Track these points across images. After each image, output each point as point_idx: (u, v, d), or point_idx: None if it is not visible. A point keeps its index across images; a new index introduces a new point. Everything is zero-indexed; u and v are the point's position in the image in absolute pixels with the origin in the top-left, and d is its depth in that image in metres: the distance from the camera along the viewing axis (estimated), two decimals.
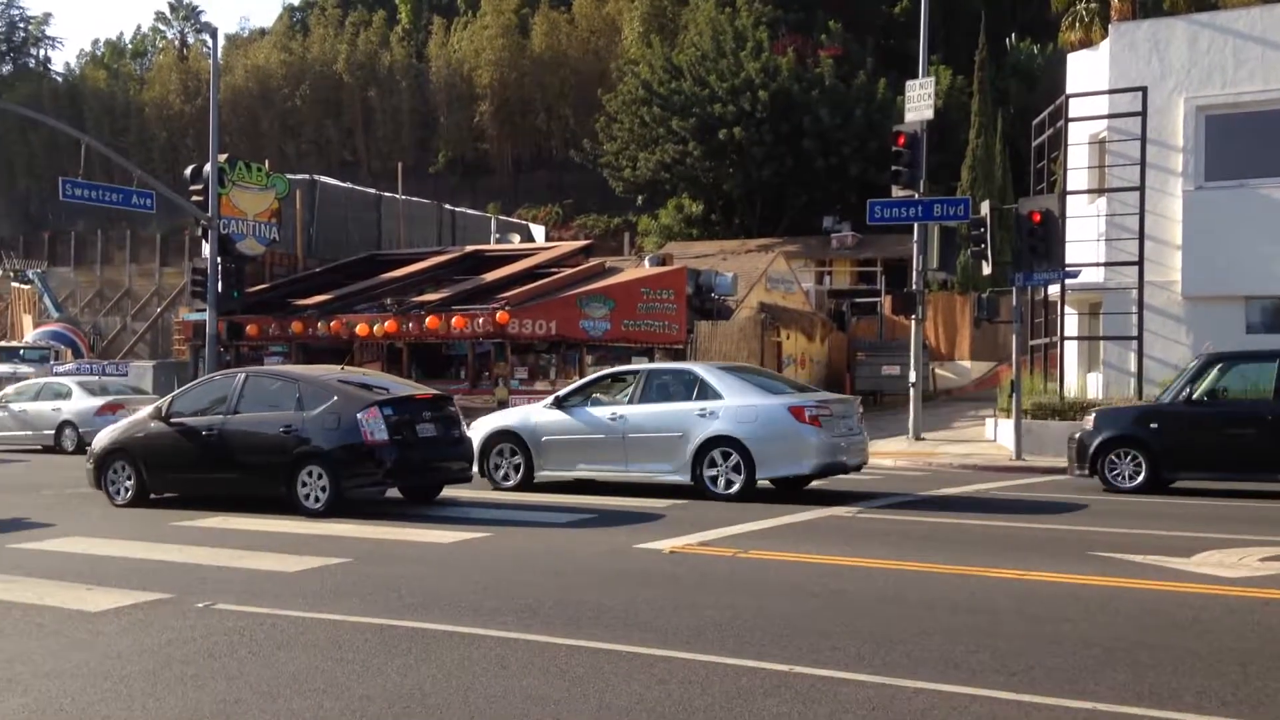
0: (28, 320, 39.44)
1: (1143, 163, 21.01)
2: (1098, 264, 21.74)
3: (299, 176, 35.47)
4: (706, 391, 13.64)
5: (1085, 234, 21.63)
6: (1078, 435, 14.89)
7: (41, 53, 68.08)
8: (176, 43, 72.14)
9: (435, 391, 14.20)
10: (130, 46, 78.60)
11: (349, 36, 62.73)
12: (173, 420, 13.16)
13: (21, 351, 33.42)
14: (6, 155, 57.03)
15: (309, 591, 7.98)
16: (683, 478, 13.49)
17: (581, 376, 26.30)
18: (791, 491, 13.91)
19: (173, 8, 70.19)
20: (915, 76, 22.00)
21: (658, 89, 44.85)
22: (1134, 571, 8.64)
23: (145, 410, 14.11)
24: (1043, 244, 18.32)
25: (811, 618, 7.12)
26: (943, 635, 6.60)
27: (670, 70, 45.04)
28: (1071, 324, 23.41)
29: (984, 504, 13.28)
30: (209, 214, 24.39)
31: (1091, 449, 14.40)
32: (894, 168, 21.26)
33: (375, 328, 25.38)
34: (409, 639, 6.57)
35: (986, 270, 20.45)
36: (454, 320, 24.46)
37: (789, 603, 7.59)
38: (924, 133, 21.38)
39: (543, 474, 14.54)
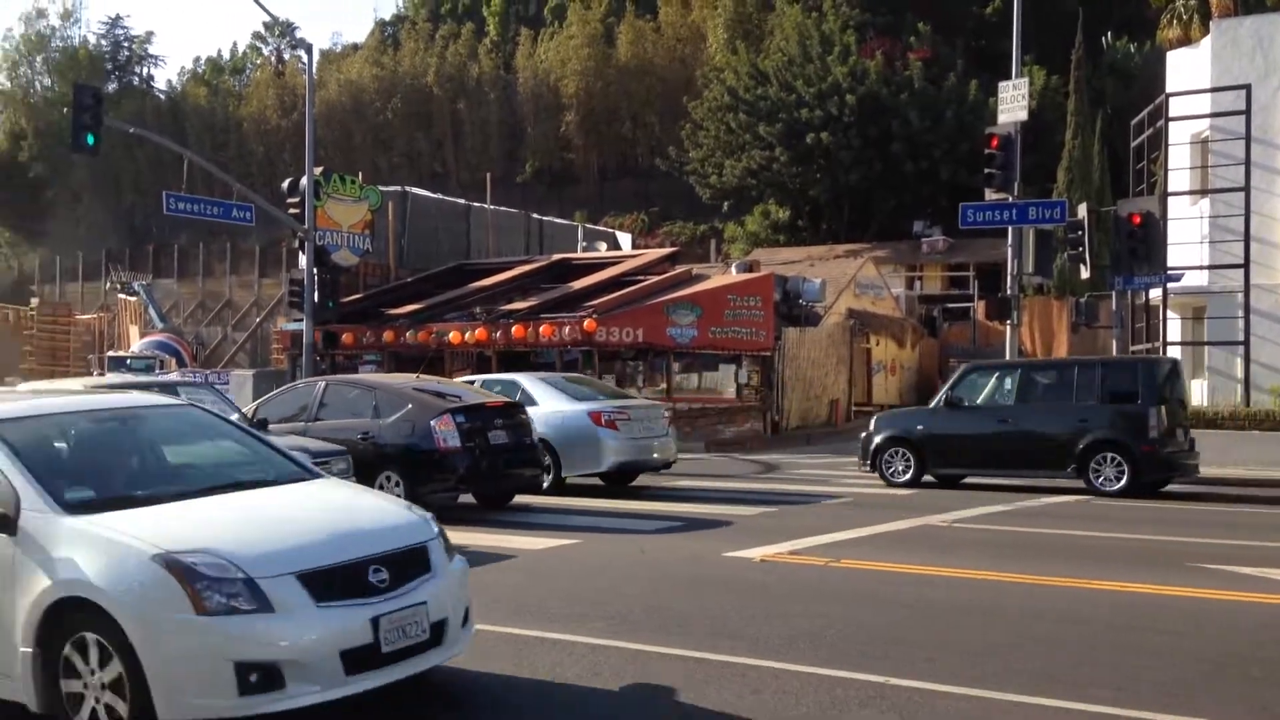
0: (134, 331, 40.81)
1: (1247, 162, 20.35)
2: (1201, 267, 21.10)
3: (391, 188, 36.17)
4: (528, 399, 14.97)
5: (1187, 236, 21.02)
6: (862, 434, 16.58)
7: (145, 71, 70.53)
8: (273, 59, 74.20)
9: (507, 399, 14.38)
10: (229, 63, 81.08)
11: (439, 49, 63.80)
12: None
13: (129, 361, 34.53)
14: (113, 171, 59.10)
15: None
16: None
17: (669, 384, 26.43)
18: (618, 487, 15.26)
19: (269, 26, 72.22)
20: (1007, 77, 21.58)
21: (744, 95, 44.75)
22: (1238, 583, 8.35)
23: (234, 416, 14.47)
24: (1143, 246, 17.86)
25: (905, 628, 7.02)
26: (1041, 647, 6.46)
27: (756, 76, 44.91)
28: (1174, 329, 22.75)
29: (1084, 514, 12.96)
30: (305, 226, 24.96)
31: (871, 448, 16.11)
32: (987, 170, 20.86)
33: (465, 336, 25.73)
34: (501, 645, 6.65)
35: (1085, 274, 20.02)
36: (542, 328, 24.68)
37: (882, 613, 7.50)
38: (1018, 134, 20.94)
39: None
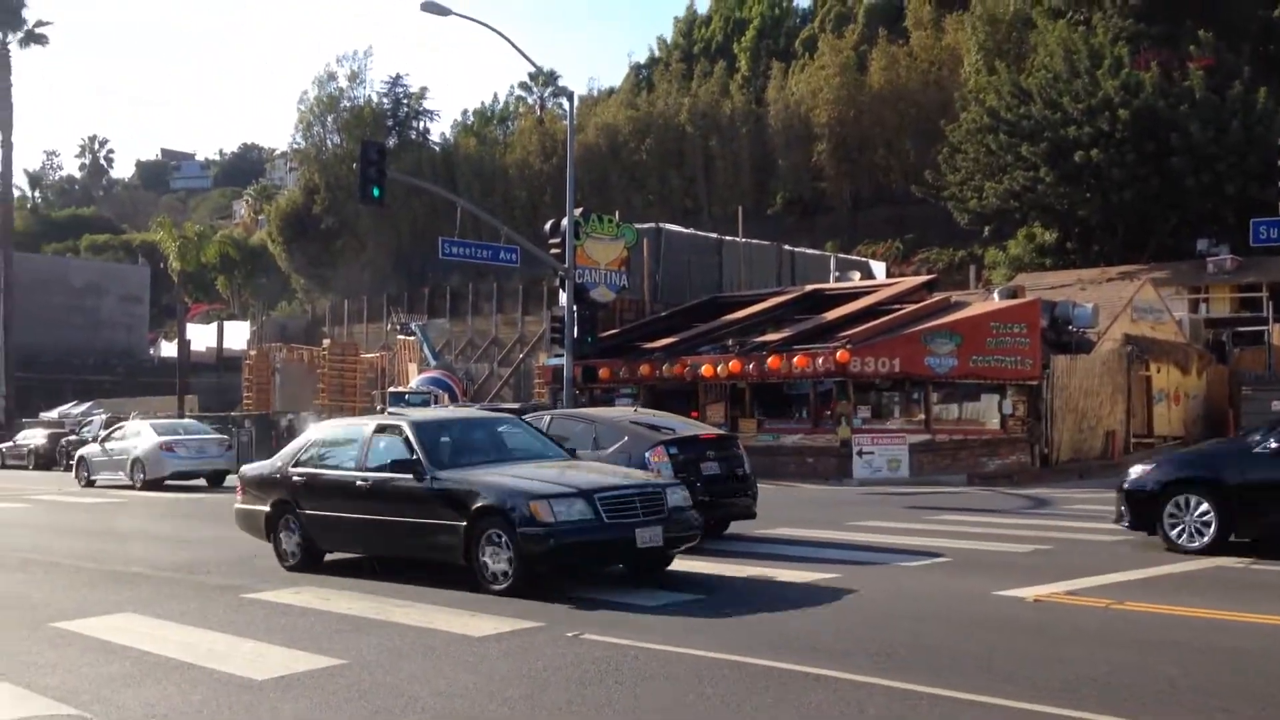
0: (412, 368, 43.58)
1: None
2: None
3: (645, 225, 37.09)
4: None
5: None
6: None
7: (421, 125, 75.41)
8: (536, 108, 77.88)
9: (720, 432, 15.03)
10: (496, 113, 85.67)
11: (691, 88, 65.09)
12: None
13: (407, 396, 36.89)
14: (393, 219, 63.47)
15: (669, 626, 8.23)
16: None
17: (927, 414, 25.66)
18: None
19: (534, 76, 75.90)
20: None
21: (1005, 115, 43.15)
22: None
23: None
24: None
25: (1196, 676, 6.50)
26: None
27: (1019, 95, 43.22)
28: None
29: None
30: (565, 265, 25.98)
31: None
32: None
33: (719, 369, 25.95)
34: (765, 678, 6.62)
35: None
36: (795, 359, 24.56)
37: (1170, 659, 6.97)
38: None
39: None
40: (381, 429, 11.28)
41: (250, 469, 13.10)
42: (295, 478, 11.66)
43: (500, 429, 12.00)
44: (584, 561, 10.00)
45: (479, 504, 9.69)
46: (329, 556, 11.69)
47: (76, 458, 29.58)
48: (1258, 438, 12.17)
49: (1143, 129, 39.64)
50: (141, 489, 25.38)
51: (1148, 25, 44.44)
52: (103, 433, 30.72)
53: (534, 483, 9.86)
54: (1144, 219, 42.18)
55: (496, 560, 9.60)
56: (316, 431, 12.59)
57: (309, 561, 11.42)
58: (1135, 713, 5.73)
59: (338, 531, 11.31)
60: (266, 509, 11.85)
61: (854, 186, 60.95)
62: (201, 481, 26.30)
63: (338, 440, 11.98)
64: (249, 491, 12.43)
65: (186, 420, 33.01)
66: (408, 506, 10.36)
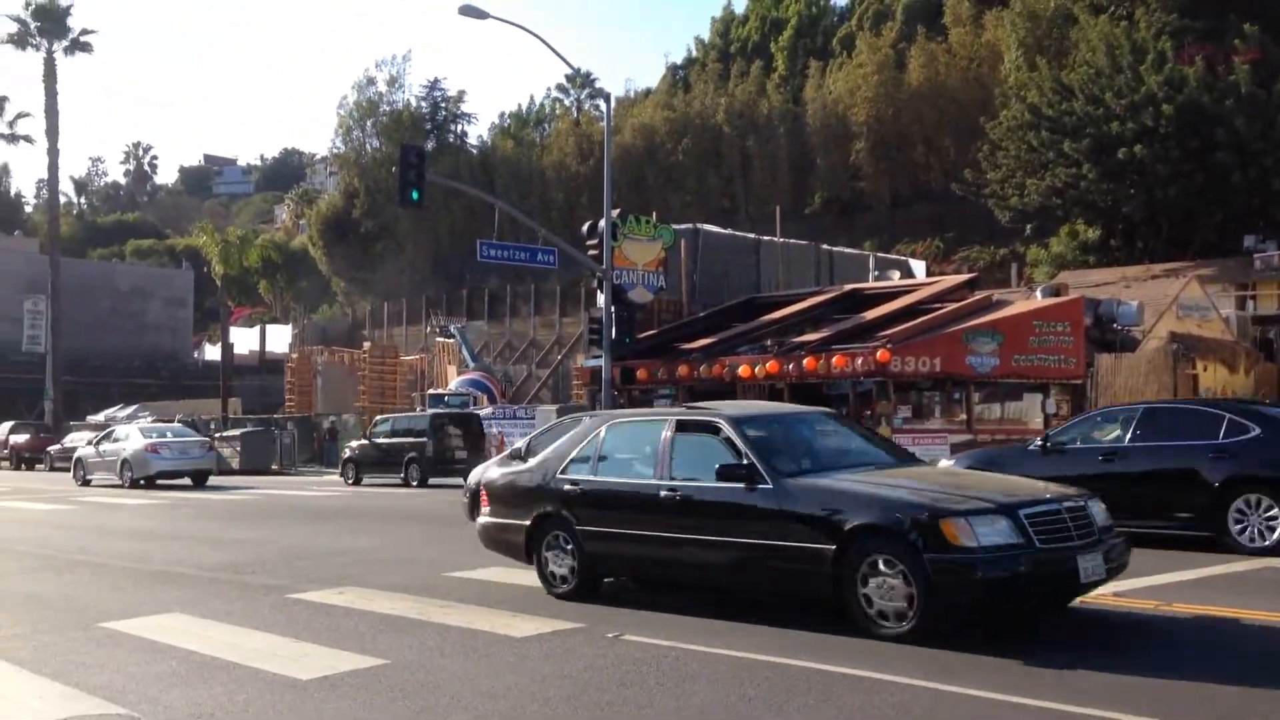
0: (451, 370, 43.85)
1: None
2: None
3: (683, 226, 37.04)
4: None
5: None
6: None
7: (459, 128, 75.82)
8: (573, 110, 78.05)
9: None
10: (532, 115, 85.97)
11: (729, 88, 64.99)
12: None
13: (446, 398, 37.15)
14: (432, 222, 63.89)
15: (709, 627, 8.19)
16: None
17: (969, 414, 25.41)
18: None
19: (570, 78, 76.06)
20: None
21: (1046, 111, 42.70)
22: None
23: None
24: None
25: (1246, 679, 6.37)
26: None
27: (1060, 91, 42.75)
28: None
29: None
30: (603, 266, 26.00)
31: None
32: None
33: (757, 369, 25.84)
34: (807, 679, 6.58)
35: None
36: (834, 360, 24.40)
37: (1220, 661, 6.85)
38: None
39: None
40: (685, 426, 9.11)
41: (498, 475, 11.03)
42: (568, 487, 9.55)
43: (821, 426, 9.70)
44: (1014, 599, 7.54)
45: (855, 522, 7.57)
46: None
47: (74, 459, 31.53)
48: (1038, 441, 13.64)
49: (1187, 124, 39.09)
50: (129, 487, 27.63)
51: (1191, 19, 43.85)
52: (98, 435, 32.83)
53: (930, 493, 7.78)
54: (1189, 215, 41.60)
55: (888, 597, 7.47)
56: (589, 429, 10.08)
57: (585, 589, 9.44)
58: (1183, 716, 5.64)
59: (630, 555, 9.26)
60: (526, 524, 9.81)
61: (893, 185, 60.56)
62: (187, 481, 28.57)
63: (623, 440, 9.78)
64: (498, 503, 10.39)
65: (174, 425, 35.39)
66: (740, 525, 8.26)
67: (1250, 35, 41.63)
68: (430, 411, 32.67)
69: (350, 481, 29.77)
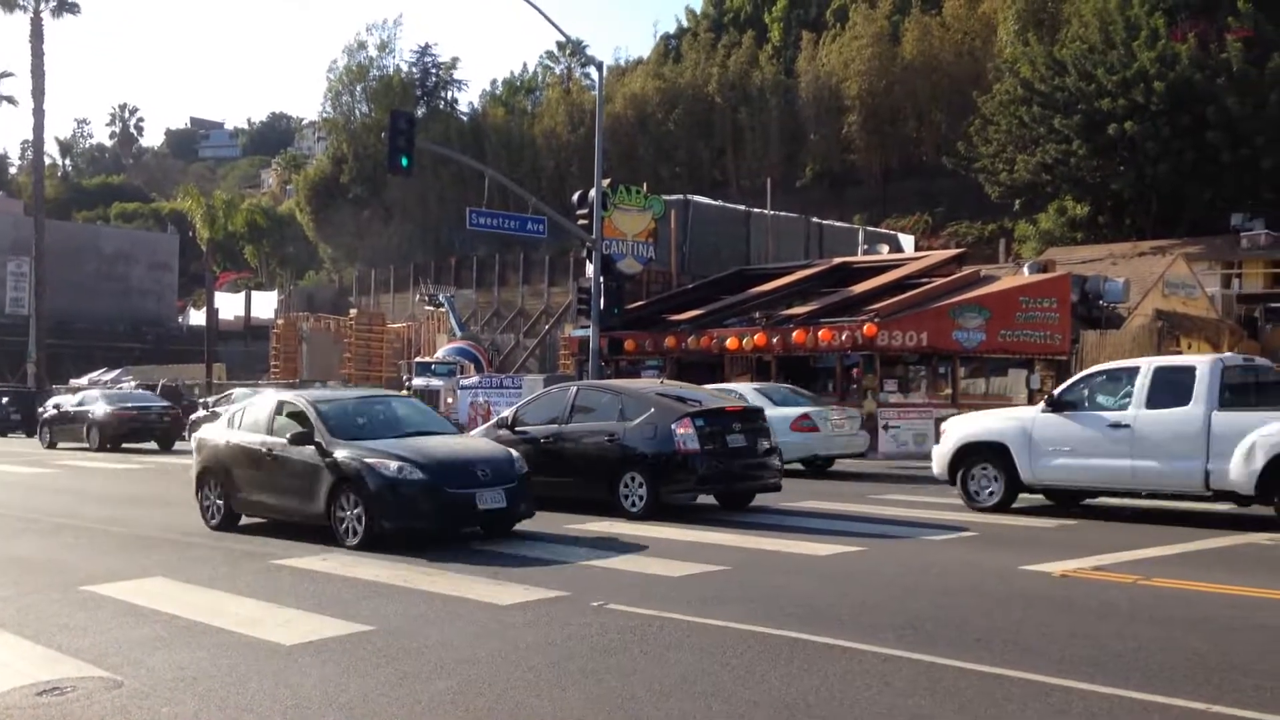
0: (440, 339, 43.71)
1: None
2: None
3: (673, 197, 36.94)
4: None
5: None
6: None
7: (450, 95, 75.26)
8: (564, 78, 77.52)
9: (746, 404, 14.95)
10: (524, 83, 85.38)
11: (720, 59, 64.55)
12: (517, 429, 14.29)
13: (433, 366, 37.02)
14: (421, 190, 63.51)
15: (693, 596, 8.24)
16: None
17: (954, 389, 25.50)
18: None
19: (561, 45, 75.52)
20: None
21: (1038, 86, 42.60)
22: None
23: (495, 419, 15.38)
24: None
25: (1227, 653, 6.44)
26: None
27: (1053, 66, 42.63)
28: None
29: None
30: (593, 236, 25.89)
31: None
32: None
33: (744, 341, 25.87)
34: (790, 648, 6.61)
35: None
36: (821, 333, 24.44)
37: (1200, 636, 6.91)
38: None
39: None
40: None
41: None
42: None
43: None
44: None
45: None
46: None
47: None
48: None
49: (1178, 102, 39.05)
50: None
51: None
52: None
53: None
54: (1178, 193, 41.64)
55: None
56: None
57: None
58: (1164, 689, 5.69)
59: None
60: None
61: (884, 159, 60.41)
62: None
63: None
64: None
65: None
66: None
67: (1243, 13, 41.53)
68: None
69: None
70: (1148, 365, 12.81)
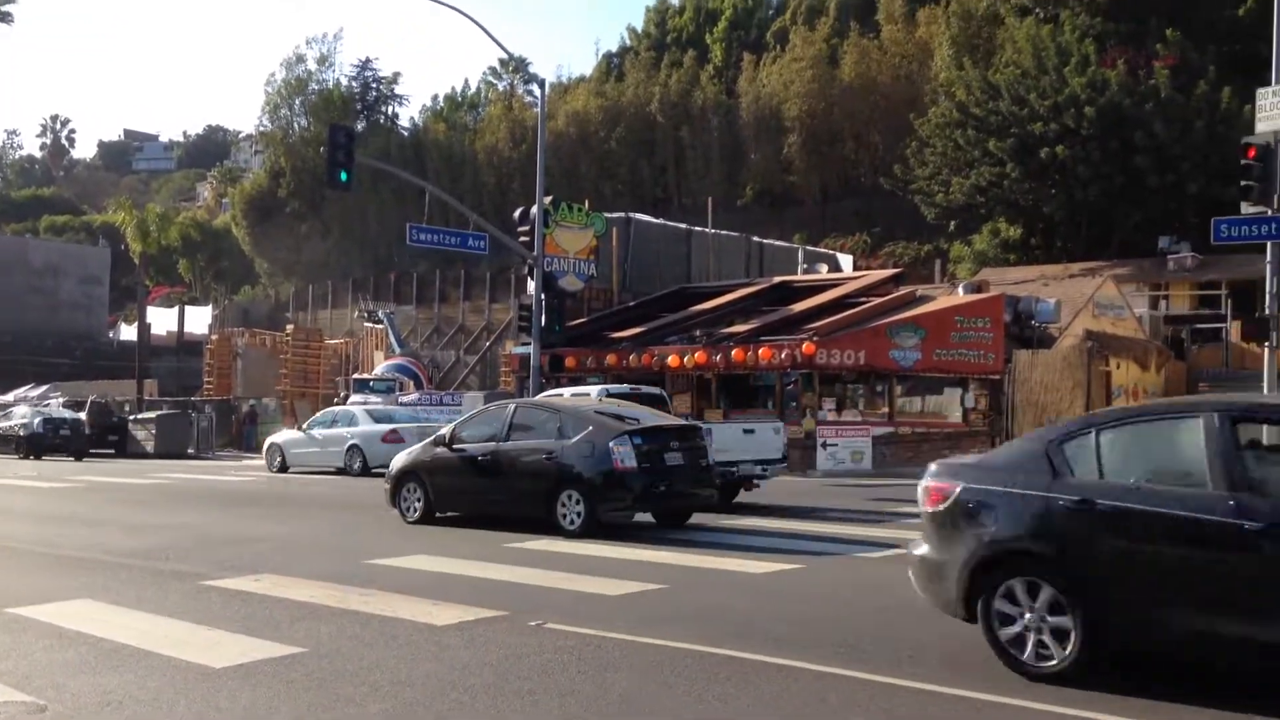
0: (378, 355, 43.32)
1: None
2: None
3: (615, 215, 37.03)
4: None
5: None
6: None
7: (390, 110, 74.80)
8: (506, 95, 77.39)
9: (684, 422, 15.10)
10: (465, 99, 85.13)
11: (662, 78, 64.93)
12: (455, 446, 14.23)
13: (371, 383, 36.67)
14: (360, 205, 62.93)
15: (631, 615, 8.22)
16: None
17: (891, 407, 25.80)
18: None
19: (504, 62, 75.31)
20: (1265, 83, 20.04)
21: (973, 110, 43.39)
22: None
23: (433, 436, 15.30)
24: None
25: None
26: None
27: (987, 90, 43.46)
28: None
29: None
30: (534, 253, 25.87)
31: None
32: (1243, 183, 19.40)
33: (685, 359, 25.99)
34: (728, 667, 6.63)
35: None
36: (761, 351, 24.64)
37: None
38: (1278, 144, 19.40)
39: None
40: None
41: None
42: None
43: None
44: None
45: None
46: None
47: None
48: None
49: (1108, 126, 40.01)
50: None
51: (1115, 23, 44.86)
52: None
53: None
54: (1107, 216, 42.61)
55: None
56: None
57: None
58: (1100, 706, 5.79)
59: None
60: None
61: (823, 179, 61.11)
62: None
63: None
64: None
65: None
66: None
67: (1171, 40, 42.70)
68: None
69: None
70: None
